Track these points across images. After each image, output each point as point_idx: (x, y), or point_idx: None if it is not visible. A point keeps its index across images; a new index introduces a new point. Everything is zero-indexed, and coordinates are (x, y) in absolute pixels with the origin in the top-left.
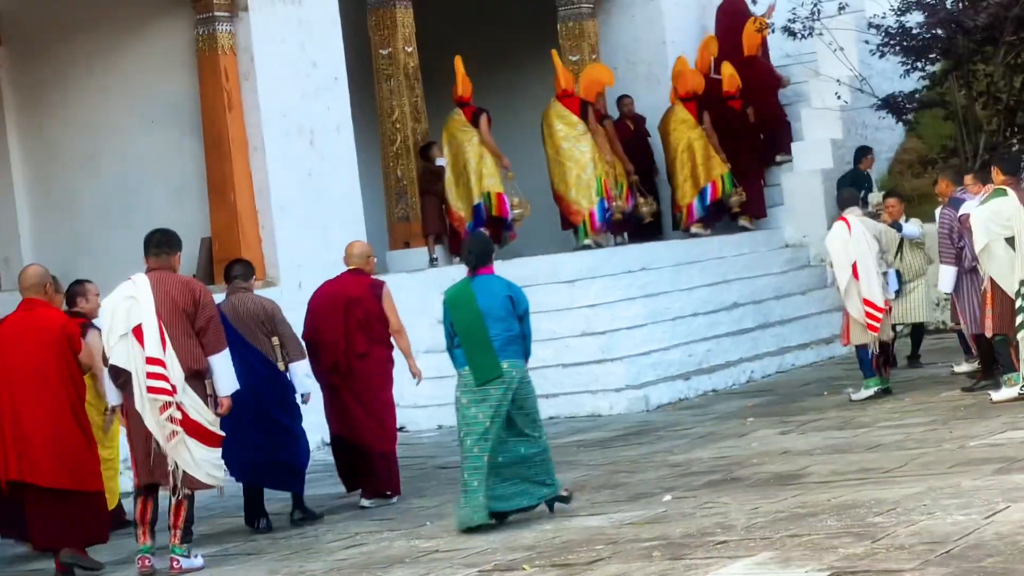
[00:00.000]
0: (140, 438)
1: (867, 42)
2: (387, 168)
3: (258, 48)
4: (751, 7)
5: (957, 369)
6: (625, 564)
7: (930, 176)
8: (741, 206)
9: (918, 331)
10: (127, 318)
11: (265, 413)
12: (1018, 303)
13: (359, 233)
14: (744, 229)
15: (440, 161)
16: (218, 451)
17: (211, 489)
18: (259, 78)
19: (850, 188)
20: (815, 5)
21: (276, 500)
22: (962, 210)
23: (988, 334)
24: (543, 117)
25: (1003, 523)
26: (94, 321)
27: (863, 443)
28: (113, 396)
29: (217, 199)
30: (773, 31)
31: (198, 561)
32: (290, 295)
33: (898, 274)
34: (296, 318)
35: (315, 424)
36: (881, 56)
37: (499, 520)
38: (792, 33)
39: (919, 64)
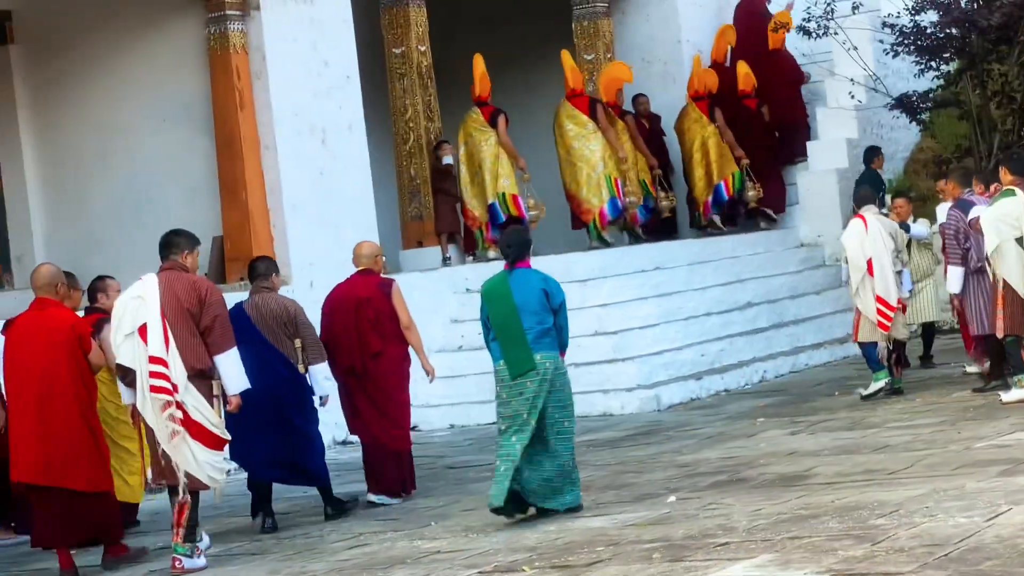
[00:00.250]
0: (152, 437)
1: (881, 41)
2: (400, 167)
3: (270, 47)
4: (768, 7)
5: (969, 369)
6: (624, 566)
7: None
8: (759, 201)
9: (929, 331)
10: (134, 317)
11: (282, 414)
12: None
13: (371, 232)
14: (765, 222)
15: (447, 159)
16: (221, 453)
17: (207, 490)
18: (271, 77)
19: (866, 186)
20: (829, 4)
21: (283, 500)
22: (972, 213)
23: (1000, 335)
24: (554, 118)
25: (1004, 526)
26: None
27: (871, 444)
28: (127, 395)
29: (229, 198)
30: (790, 30)
31: (200, 561)
32: (302, 294)
33: None
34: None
35: (330, 424)
36: (895, 56)
37: (521, 510)
38: (807, 32)
39: (933, 63)
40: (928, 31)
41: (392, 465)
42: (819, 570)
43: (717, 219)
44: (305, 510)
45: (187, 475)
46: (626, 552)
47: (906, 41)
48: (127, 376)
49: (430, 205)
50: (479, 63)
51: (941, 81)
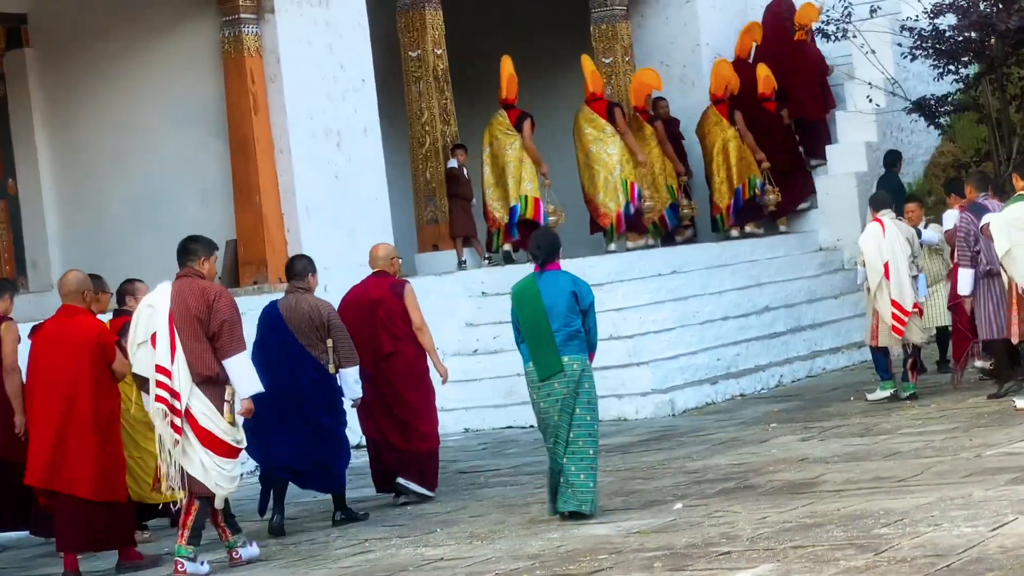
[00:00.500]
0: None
1: (900, 45)
2: (416, 170)
3: (284, 50)
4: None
5: (977, 364)
6: (625, 575)
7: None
8: (777, 205)
9: (944, 336)
10: (146, 326)
11: (311, 416)
12: None
13: (386, 236)
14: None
15: (451, 163)
16: (232, 462)
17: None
18: (285, 80)
19: (883, 190)
20: (846, 8)
21: (293, 504)
22: (985, 219)
23: (1015, 340)
24: (574, 121)
25: (1008, 536)
26: None
27: (881, 451)
28: (148, 401)
29: (243, 201)
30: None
31: (204, 568)
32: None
33: None
34: None
35: (355, 427)
36: (912, 59)
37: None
38: (825, 35)
39: (952, 67)
40: (947, 34)
41: (411, 465)
42: None
43: (735, 232)
44: (314, 515)
45: (192, 481)
46: (628, 561)
47: (924, 45)
48: (143, 384)
49: (445, 209)
50: (507, 64)
51: (960, 85)
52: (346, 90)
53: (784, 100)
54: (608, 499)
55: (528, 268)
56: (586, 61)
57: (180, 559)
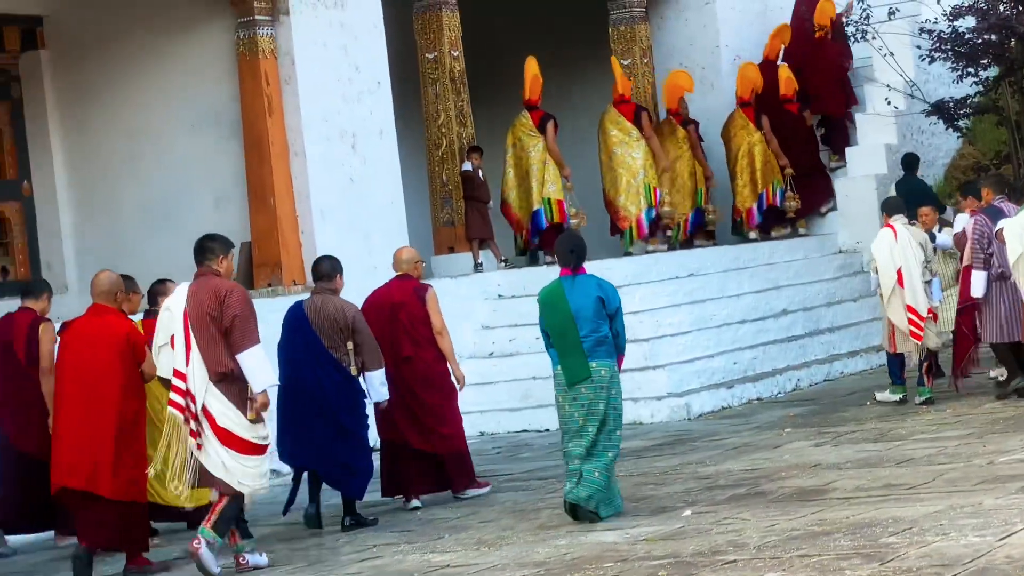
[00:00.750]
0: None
1: (919, 47)
2: (432, 172)
3: (299, 52)
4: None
5: (992, 373)
6: None
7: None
8: (796, 212)
9: None
10: (166, 329)
11: (332, 416)
12: None
13: (401, 239)
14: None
15: (466, 166)
16: (256, 458)
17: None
18: (300, 82)
19: (896, 196)
20: (864, 10)
21: (304, 509)
22: (1000, 224)
23: None
24: (599, 122)
25: (1016, 546)
26: None
27: (894, 457)
28: None
29: (257, 204)
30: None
31: (213, 563)
32: None
33: None
34: None
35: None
36: (931, 62)
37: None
38: (844, 34)
39: (971, 69)
40: (966, 37)
41: (414, 466)
42: None
43: (753, 234)
44: (323, 520)
45: (216, 480)
46: (633, 569)
47: (943, 47)
48: (168, 386)
49: (462, 211)
50: (532, 65)
51: (980, 87)
52: (361, 92)
53: (806, 100)
54: None
55: (545, 272)
56: (615, 63)
57: (199, 536)
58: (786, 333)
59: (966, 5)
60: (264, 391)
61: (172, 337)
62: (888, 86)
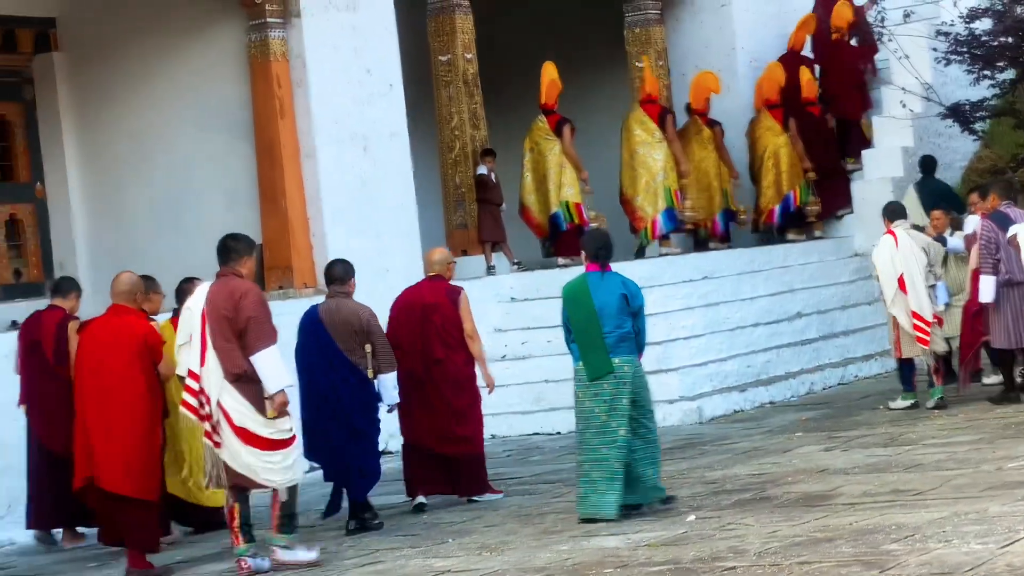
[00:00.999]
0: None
1: (935, 49)
2: (445, 175)
3: (311, 54)
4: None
5: (986, 380)
6: None
7: None
8: (817, 216)
9: None
10: (185, 328)
11: (346, 419)
12: None
13: (413, 241)
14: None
15: (480, 170)
16: (280, 453)
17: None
18: (312, 84)
19: (896, 202)
20: (879, 12)
21: (312, 510)
22: (1012, 230)
23: None
24: (623, 120)
25: (1017, 554)
26: None
27: (903, 462)
28: None
29: (268, 206)
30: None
31: (304, 554)
32: None
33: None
34: None
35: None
36: (947, 64)
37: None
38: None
39: (988, 72)
40: (982, 39)
41: (433, 465)
42: None
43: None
44: (328, 524)
45: (243, 478)
46: (632, 574)
47: (960, 49)
48: None
49: (475, 214)
50: (549, 69)
51: (996, 90)
52: (372, 94)
53: (827, 103)
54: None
55: (558, 274)
56: (646, 62)
57: (273, 547)
58: (800, 336)
59: (982, 7)
60: (282, 390)
61: (191, 336)
62: (904, 89)
